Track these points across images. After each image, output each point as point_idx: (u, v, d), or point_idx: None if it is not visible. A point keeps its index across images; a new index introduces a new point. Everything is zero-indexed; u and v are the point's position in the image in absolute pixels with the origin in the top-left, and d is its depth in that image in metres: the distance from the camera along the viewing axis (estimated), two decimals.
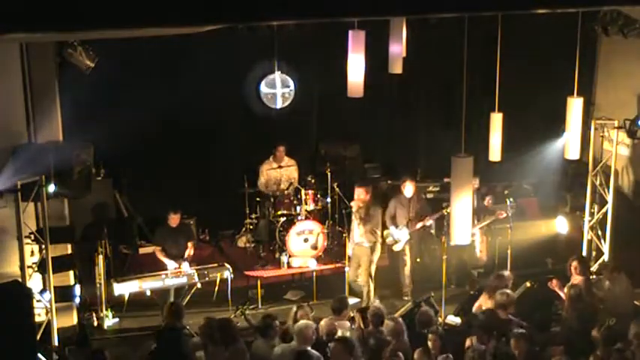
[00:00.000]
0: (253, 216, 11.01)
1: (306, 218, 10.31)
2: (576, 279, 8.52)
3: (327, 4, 3.99)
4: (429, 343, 7.17)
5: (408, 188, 10.02)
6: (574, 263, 8.65)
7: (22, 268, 7.63)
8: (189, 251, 9.53)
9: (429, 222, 10.22)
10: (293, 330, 7.29)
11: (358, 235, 9.78)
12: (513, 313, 7.82)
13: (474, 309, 8.43)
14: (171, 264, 9.27)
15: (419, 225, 10.05)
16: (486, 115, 8.16)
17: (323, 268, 10.43)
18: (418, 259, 10.50)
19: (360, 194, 9.75)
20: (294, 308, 7.93)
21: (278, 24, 9.55)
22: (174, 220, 9.40)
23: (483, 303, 8.32)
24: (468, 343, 7.27)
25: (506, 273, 8.71)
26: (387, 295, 10.17)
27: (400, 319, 7.61)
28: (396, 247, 10.13)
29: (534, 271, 9.93)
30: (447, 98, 12.03)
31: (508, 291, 7.99)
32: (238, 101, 11.20)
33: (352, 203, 9.88)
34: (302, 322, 7.31)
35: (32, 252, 8.00)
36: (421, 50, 11.69)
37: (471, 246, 10.02)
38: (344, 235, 10.55)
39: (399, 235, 10.04)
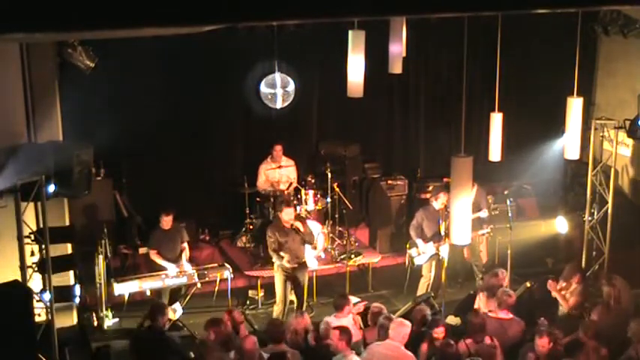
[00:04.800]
0: (253, 216, 11.00)
1: (306, 218, 10.30)
2: (574, 287, 8.52)
3: (327, 4, 3.99)
4: (436, 336, 7.22)
5: (441, 200, 9.59)
6: (573, 273, 8.61)
7: (22, 268, 7.62)
8: (187, 252, 9.51)
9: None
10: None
11: (295, 255, 9.13)
12: (514, 313, 7.82)
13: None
14: (170, 266, 9.27)
15: (445, 245, 9.38)
16: (486, 115, 8.17)
17: (323, 268, 10.44)
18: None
19: (291, 214, 9.15)
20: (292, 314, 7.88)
21: (278, 24, 9.57)
22: (166, 222, 9.30)
23: (483, 304, 8.32)
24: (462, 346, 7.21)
25: (501, 270, 8.72)
26: (387, 295, 10.19)
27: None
28: (418, 261, 9.79)
29: (534, 271, 9.94)
30: (447, 98, 12.06)
31: (510, 290, 7.99)
32: (238, 101, 11.20)
33: (296, 224, 9.09)
34: (398, 319, 7.20)
35: (32, 252, 7.99)
36: (421, 50, 11.76)
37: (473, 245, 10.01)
38: (346, 236, 10.53)
39: (425, 249, 9.68)
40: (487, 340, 7.10)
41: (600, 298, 8.30)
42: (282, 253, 9.09)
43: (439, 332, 7.28)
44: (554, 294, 8.54)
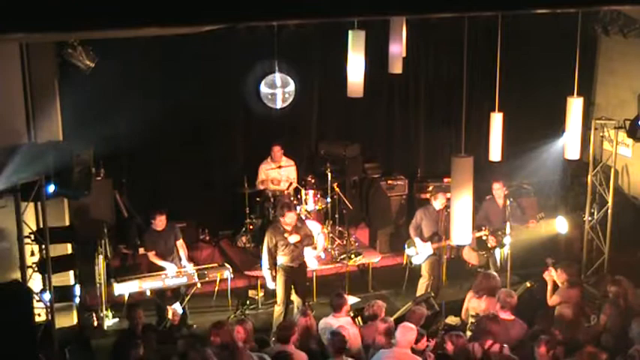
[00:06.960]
0: (253, 216, 11.00)
1: (306, 218, 10.30)
2: (568, 287, 8.48)
3: (327, 4, 3.99)
4: (428, 343, 7.18)
5: (440, 201, 9.60)
6: (560, 272, 8.51)
7: (22, 268, 7.63)
8: (184, 250, 9.47)
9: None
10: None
11: (295, 256, 9.07)
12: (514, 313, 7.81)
13: (464, 311, 8.42)
14: (170, 267, 9.25)
15: (444, 244, 9.44)
16: (486, 115, 8.17)
17: (323, 268, 10.44)
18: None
19: (294, 217, 8.99)
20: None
21: (278, 24, 9.56)
22: (160, 221, 9.20)
23: (475, 305, 8.29)
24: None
25: (494, 272, 8.70)
26: (387, 295, 10.19)
27: (391, 319, 7.59)
28: (416, 260, 9.79)
29: (534, 271, 9.92)
30: (447, 98, 12.05)
31: (511, 291, 7.97)
32: (238, 101, 11.20)
33: (292, 237, 8.97)
34: (403, 323, 7.11)
35: (32, 252, 7.99)
36: (421, 50, 11.76)
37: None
38: (346, 236, 10.51)
39: (422, 249, 9.68)
40: (506, 351, 7.00)
41: (605, 298, 8.26)
42: (279, 254, 9.04)
43: (421, 345, 7.17)
44: (546, 279, 8.45)
